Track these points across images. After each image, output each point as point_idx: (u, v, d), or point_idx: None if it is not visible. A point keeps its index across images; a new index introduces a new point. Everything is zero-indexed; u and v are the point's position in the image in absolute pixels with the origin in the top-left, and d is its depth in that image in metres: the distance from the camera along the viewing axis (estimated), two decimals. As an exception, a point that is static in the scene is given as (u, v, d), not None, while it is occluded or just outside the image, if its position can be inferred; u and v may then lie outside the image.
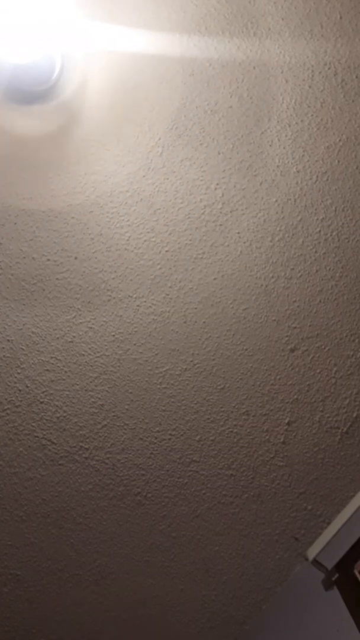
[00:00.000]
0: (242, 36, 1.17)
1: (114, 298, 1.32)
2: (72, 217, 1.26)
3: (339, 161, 1.28)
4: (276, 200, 1.30)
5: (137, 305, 1.32)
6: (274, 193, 1.29)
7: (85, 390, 1.34)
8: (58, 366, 1.32)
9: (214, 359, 1.36)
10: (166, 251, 1.31)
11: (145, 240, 1.30)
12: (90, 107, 1.20)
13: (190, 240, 1.31)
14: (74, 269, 1.29)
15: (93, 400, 1.35)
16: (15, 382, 1.32)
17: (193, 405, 1.37)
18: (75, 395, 1.34)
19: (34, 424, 1.33)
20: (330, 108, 1.24)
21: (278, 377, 1.38)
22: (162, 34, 1.16)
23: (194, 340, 1.35)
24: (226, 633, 1.51)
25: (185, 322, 1.34)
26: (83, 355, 1.33)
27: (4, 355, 1.30)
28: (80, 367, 1.33)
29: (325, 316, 1.36)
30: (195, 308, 1.34)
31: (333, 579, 1.31)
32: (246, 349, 1.36)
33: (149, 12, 1.13)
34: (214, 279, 1.33)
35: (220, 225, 1.30)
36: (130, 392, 1.35)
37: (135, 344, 1.34)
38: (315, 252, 1.33)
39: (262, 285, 1.34)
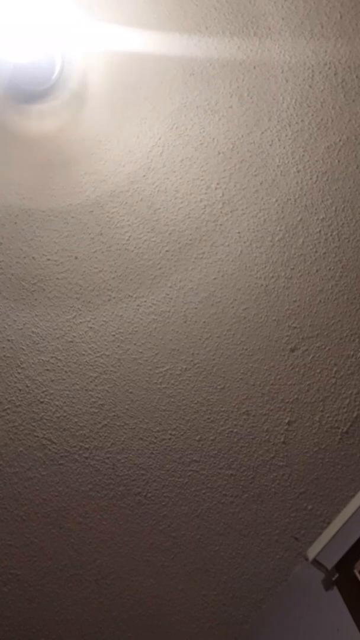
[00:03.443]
0: (242, 36, 1.17)
1: (114, 298, 1.32)
2: (72, 217, 1.26)
3: (339, 161, 1.28)
4: (276, 200, 1.30)
5: (137, 305, 1.32)
6: (274, 193, 1.29)
7: (85, 390, 1.34)
8: (58, 366, 1.32)
9: (214, 359, 1.36)
10: (166, 251, 1.31)
11: (145, 240, 1.30)
12: (90, 107, 1.20)
13: (190, 240, 1.31)
14: (74, 268, 1.29)
15: (93, 400, 1.35)
16: (15, 382, 1.32)
17: (193, 405, 1.37)
18: (75, 395, 1.34)
19: (34, 424, 1.33)
20: (331, 108, 1.24)
21: (278, 377, 1.38)
22: (162, 34, 1.16)
23: (194, 340, 1.35)
24: (226, 633, 1.51)
25: (185, 322, 1.34)
26: (83, 355, 1.33)
27: (4, 355, 1.30)
28: (81, 367, 1.33)
29: (325, 316, 1.36)
30: (195, 308, 1.34)
31: (333, 579, 1.31)
32: (246, 349, 1.36)
33: (148, 12, 1.13)
34: (214, 279, 1.33)
35: (220, 225, 1.30)
36: (130, 392, 1.35)
37: (135, 344, 1.34)
38: (316, 251, 1.33)
39: (262, 285, 1.34)
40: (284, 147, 1.26)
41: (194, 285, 1.33)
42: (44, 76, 1.16)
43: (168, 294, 1.33)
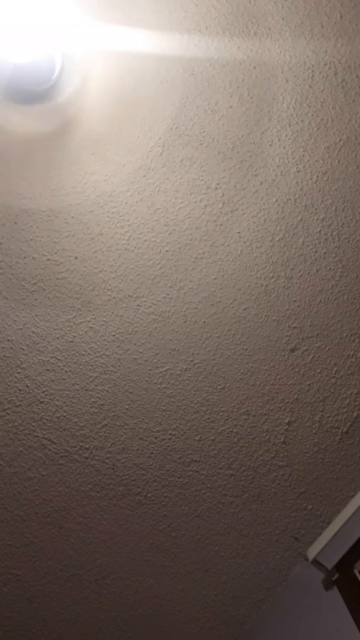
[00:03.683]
0: (243, 36, 1.17)
1: (114, 298, 1.32)
2: (72, 217, 1.26)
3: (339, 161, 1.28)
4: (276, 200, 1.30)
5: (137, 305, 1.32)
6: (274, 193, 1.29)
7: (85, 390, 1.34)
8: (58, 366, 1.32)
9: (214, 359, 1.36)
10: (166, 251, 1.31)
11: (145, 240, 1.30)
12: (90, 106, 1.20)
13: (190, 240, 1.31)
14: (74, 268, 1.29)
15: (93, 400, 1.35)
16: (15, 382, 1.32)
17: (193, 405, 1.37)
18: (75, 395, 1.34)
19: (34, 424, 1.33)
20: (331, 108, 1.24)
21: (278, 377, 1.38)
22: (162, 34, 1.16)
23: (194, 340, 1.35)
24: (226, 633, 1.52)
25: (185, 322, 1.34)
26: (83, 355, 1.33)
27: (4, 355, 1.30)
28: (81, 367, 1.33)
29: (325, 316, 1.36)
30: (195, 308, 1.34)
31: (333, 578, 1.31)
32: (246, 349, 1.36)
33: (149, 12, 1.13)
34: (214, 279, 1.33)
35: (220, 225, 1.30)
36: (130, 392, 1.35)
37: (135, 344, 1.34)
38: (316, 251, 1.33)
39: (262, 285, 1.34)
40: (284, 147, 1.26)
41: (194, 285, 1.33)
42: (44, 76, 1.16)
43: (168, 294, 1.33)
